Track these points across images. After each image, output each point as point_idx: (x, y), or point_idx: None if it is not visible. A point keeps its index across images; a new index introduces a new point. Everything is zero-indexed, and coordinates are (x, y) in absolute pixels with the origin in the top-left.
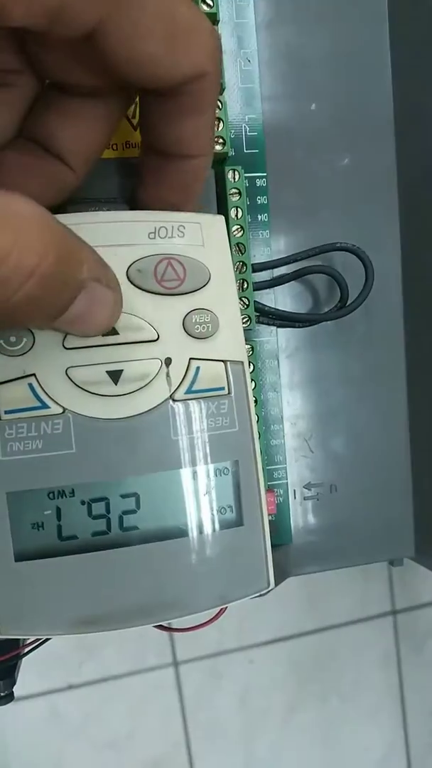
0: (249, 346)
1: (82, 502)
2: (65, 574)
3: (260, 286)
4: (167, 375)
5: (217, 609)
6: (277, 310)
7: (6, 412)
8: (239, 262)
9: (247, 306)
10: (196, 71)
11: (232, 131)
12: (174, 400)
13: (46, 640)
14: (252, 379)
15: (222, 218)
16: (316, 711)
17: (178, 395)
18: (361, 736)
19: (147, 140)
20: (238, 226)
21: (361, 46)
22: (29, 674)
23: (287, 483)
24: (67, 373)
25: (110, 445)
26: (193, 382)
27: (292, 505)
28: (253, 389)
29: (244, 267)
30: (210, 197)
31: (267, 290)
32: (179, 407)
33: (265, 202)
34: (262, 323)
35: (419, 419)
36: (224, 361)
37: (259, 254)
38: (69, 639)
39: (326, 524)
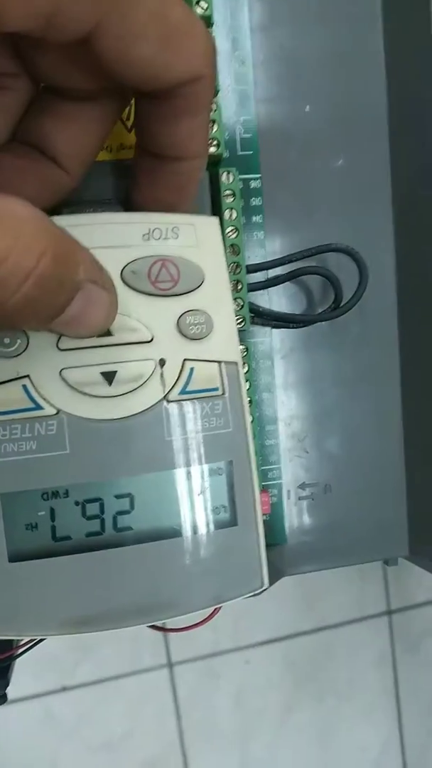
0: (243, 347)
1: (76, 503)
2: (59, 575)
3: (255, 287)
4: (161, 376)
5: (212, 609)
6: (272, 311)
7: (0, 413)
8: (234, 263)
9: (242, 307)
10: (191, 74)
11: (227, 133)
12: (168, 401)
13: (40, 640)
14: (246, 380)
15: (216, 220)
16: (312, 711)
17: (173, 396)
18: (357, 735)
19: (141, 142)
20: (233, 228)
21: (355, 47)
22: (23, 676)
23: (282, 483)
24: (61, 375)
25: (104, 445)
26: (187, 383)
27: (286, 505)
28: (247, 390)
29: (239, 268)
30: (204, 199)
31: (261, 291)
32: (173, 408)
33: (260, 203)
34: (257, 324)
35: (413, 419)
36: (218, 362)
37: (254, 255)
38: (63, 640)
39: (321, 524)
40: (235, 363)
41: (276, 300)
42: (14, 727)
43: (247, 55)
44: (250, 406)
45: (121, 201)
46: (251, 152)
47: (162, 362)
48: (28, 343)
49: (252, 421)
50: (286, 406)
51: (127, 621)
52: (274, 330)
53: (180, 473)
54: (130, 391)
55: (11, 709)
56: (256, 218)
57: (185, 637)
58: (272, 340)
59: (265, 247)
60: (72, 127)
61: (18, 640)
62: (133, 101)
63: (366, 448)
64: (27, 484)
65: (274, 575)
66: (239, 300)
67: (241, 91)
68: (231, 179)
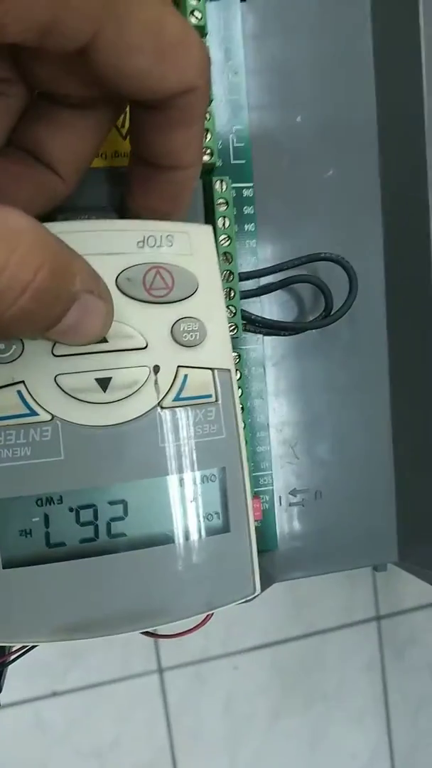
0: (236, 354)
1: (70, 509)
2: (53, 581)
3: (247, 295)
4: (155, 382)
5: (204, 615)
6: (264, 318)
7: None
8: (226, 271)
9: (234, 314)
10: (186, 85)
11: (220, 142)
12: (162, 408)
13: (33, 647)
14: (239, 387)
15: (210, 228)
16: (301, 716)
17: (166, 403)
18: (346, 741)
19: (136, 150)
20: (226, 236)
21: (346, 58)
22: (13, 681)
23: (273, 489)
24: (56, 381)
25: (98, 452)
26: (181, 390)
27: (277, 512)
28: (239, 397)
29: (232, 276)
30: (197, 207)
31: (254, 299)
32: (167, 414)
33: (252, 212)
34: (249, 331)
35: (402, 426)
36: (212, 369)
37: (246, 263)
38: (55, 645)
39: (311, 530)
40: (228, 370)
41: (268, 308)
42: (4, 732)
43: (240, 65)
44: (242, 412)
45: (115, 208)
46: (244, 161)
47: (156, 369)
48: (23, 349)
49: (244, 428)
50: (278, 413)
51: (120, 627)
52: (266, 337)
53: (173, 480)
54: (125, 398)
55: (1, 714)
56: (248, 227)
57: (176, 642)
58: (264, 347)
59: (258, 255)
60: (67, 133)
61: (10, 647)
62: (128, 109)
63: (356, 455)
64: (21, 490)
65: (266, 581)
66: (232, 307)
67: (233, 101)
68: (224, 188)
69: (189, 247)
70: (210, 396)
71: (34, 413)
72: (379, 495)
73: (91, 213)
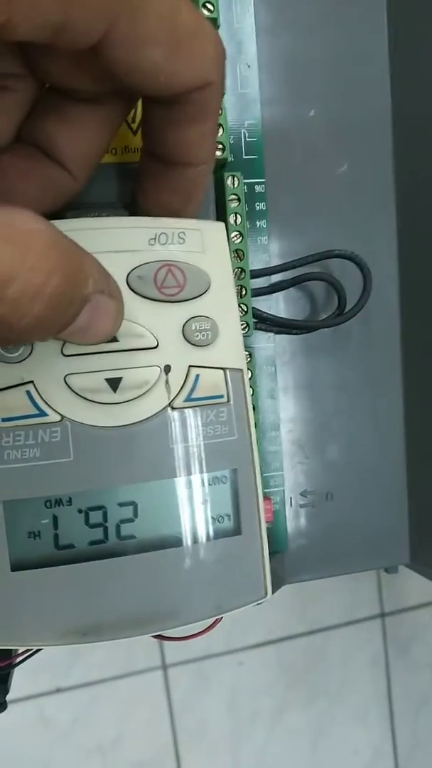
0: (247, 353)
1: (80, 511)
2: (61, 584)
3: (258, 293)
4: (166, 382)
5: (213, 619)
6: (275, 316)
7: (3, 420)
8: (238, 268)
9: (246, 312)
10: (201, 80)
11: (231, 137)
12: (173, 408)
13: (39, 649)
14: (250, 386)
15: (222, 225)
16: (305, 713)
17: (177, 403)
18: (350, 738)
19: (148, 146)
20: (237, 233)
21: (360, 52)
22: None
23: (284, 490)
24: (65, 381)
25: (108, 453)
26: (192, 390)
27: (288, 513)
28: (250, 396)
29: (243, 273)
30: (209, 203)
31: (265, 296)
32: (178, 415)
33: (264, 208)
34: (260, 330)
35: (415, 426)
36: (224, 369)
37: (258, 260)
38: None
39: (322, 532)
40: (240, 370)
41: (279, 305)
42: (7, 728)
43: (252, 58)
44: (253, 412)
45: (125, 205)
46: (256, 156)
47: (167, 369)
48: (32, 349)
49: (255, 428)
50: (288, 413)
51: (129, 631)
52: (277, 336)
53: (184, 481)
54: (135, 398)
55: (5, 711)
56: (260, 223)
57: None
58: (275, 345)
59: (269, 252)
60: (76, 128)
61: (17, 649)
62: (140, 105)
63: (367, 455)
64: (30, 492)
65: (276, 583)
66: (243, 305)
67: (245, 95)
68: (236, 184)
69: (201, 244)
70: (222, 396)
71: (43, 414)
72: (390, 496)
73: (101, 210)
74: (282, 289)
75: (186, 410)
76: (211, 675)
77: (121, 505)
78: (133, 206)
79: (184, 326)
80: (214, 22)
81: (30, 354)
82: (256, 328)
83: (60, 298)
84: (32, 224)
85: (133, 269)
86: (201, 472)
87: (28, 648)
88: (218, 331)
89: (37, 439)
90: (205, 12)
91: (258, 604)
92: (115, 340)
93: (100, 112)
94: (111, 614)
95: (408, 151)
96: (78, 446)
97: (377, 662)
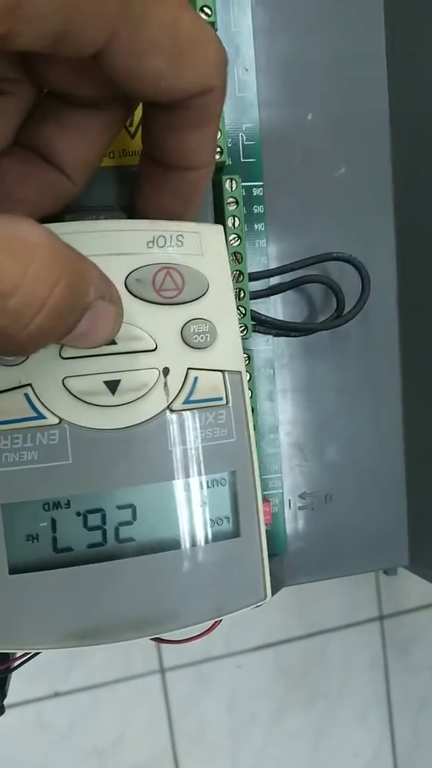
0: (245, 355)
1: (78, 514)
2: (60, 587)
3: (256, 295)
4: (165, 385)
5: (212, 621)
6: (274, 319)
7: (1, 423)
8: (236, 271)
9: (244, 315)
10: (202, 86)
11: (229, 140)
12: (171, 411)
13: (37, 653)
14: (248, 388)
15: (221, 228)
16: (304, 716)
17: (176, 405)
18: (349, 740)
19: (148, 150)
20: (235, 235)
21: (358, 53)
22: (15, 682)
23: (282, 492)
24: (63, 383)
25: (107, 455)
26: (191, 393)
27: (287, 515)
28: (249, 398)
29: (241, 276)
30: (207, 206)
31: (263, 299)
32: (177, 418)
33: (262, 211)
34: (259, 332)
35: (414, 428)
36: (222, 371)
37: (256, 263)
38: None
39: (321, 534)
40: (239, 372)
41: (278, 308)
42: (6, 732)
43: (250, 61)
44: (252, 414)
45: (123, 208)
46: (254, 160)
47: (166, 371)
48: None
49: (254, 430)
50: (287, 415)
51: (128, 634)
52: (275, 338)
53: (183, 484)
54: (134, 401)
55: (3, 715)
56: (258, 226)
57: None
58: (274, 348)
59: (267, 254)
60: (75, 133)
61: (14, 653)
62: (140, 109)
63: (366, 458)
64: (28, 495)
65: (275, 586)
66: (241, 308)
67: (243, 98)
68: (234, 187)
69: (199, 247)
70: (220, 399)
71: (41, 416)
72: (389, 498)
73: (100, 213)
74: (280, 292)
75: (184, 413)
76: (210, 678)
77: (119, 507)
78: (131, 209)
79: (182, 329)
80: (212, 26)
81: (28, 357)
82: (254, 331)
83: (62, 309)
84: (34, 234)
85: (131, 272)
86: (200, 474)
87: (27, 651)
88: (217, 333)
89: (35, 441)
90: (203, 15)
91: (257, 606)
92: (113, 342)
93: (99, 118)
94: (110, 617)
95: (406, 153)
96: (76, 449)
97: (376, 664)
